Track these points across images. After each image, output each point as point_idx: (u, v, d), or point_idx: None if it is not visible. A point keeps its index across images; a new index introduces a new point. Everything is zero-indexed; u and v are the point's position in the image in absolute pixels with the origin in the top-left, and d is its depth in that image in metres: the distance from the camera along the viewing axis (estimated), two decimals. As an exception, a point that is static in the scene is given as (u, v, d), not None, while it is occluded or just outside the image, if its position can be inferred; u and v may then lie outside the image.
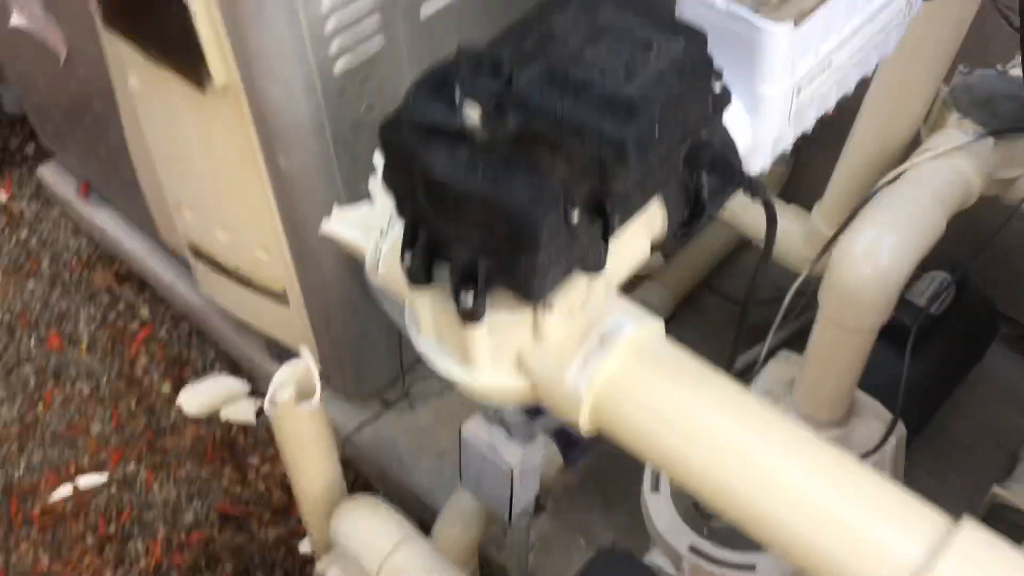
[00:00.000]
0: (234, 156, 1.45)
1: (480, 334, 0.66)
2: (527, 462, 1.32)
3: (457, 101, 0.56)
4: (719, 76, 0.66)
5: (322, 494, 1.44)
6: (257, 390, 2.05)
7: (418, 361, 1.90)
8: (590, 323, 0.67)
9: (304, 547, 1.84)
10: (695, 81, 0.63)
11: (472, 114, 0.56)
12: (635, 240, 0.72)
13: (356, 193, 1.48)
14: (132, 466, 1.95)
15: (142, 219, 2.06)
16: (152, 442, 1.99)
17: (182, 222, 1.72)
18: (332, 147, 1.40)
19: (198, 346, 2.13)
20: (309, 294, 1.64)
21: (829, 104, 0.88)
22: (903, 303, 1.59)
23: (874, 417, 1.42)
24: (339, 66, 1.32)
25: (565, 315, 0.66)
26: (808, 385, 1.39)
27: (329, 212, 1.46)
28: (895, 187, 1.20)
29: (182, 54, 1.31)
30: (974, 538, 0.57)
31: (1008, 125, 1.21)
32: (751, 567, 1.27)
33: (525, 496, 1.39)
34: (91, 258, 2.28)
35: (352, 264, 1.57)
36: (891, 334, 1.29)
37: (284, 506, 1.90)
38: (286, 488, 1.92)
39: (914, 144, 1.29)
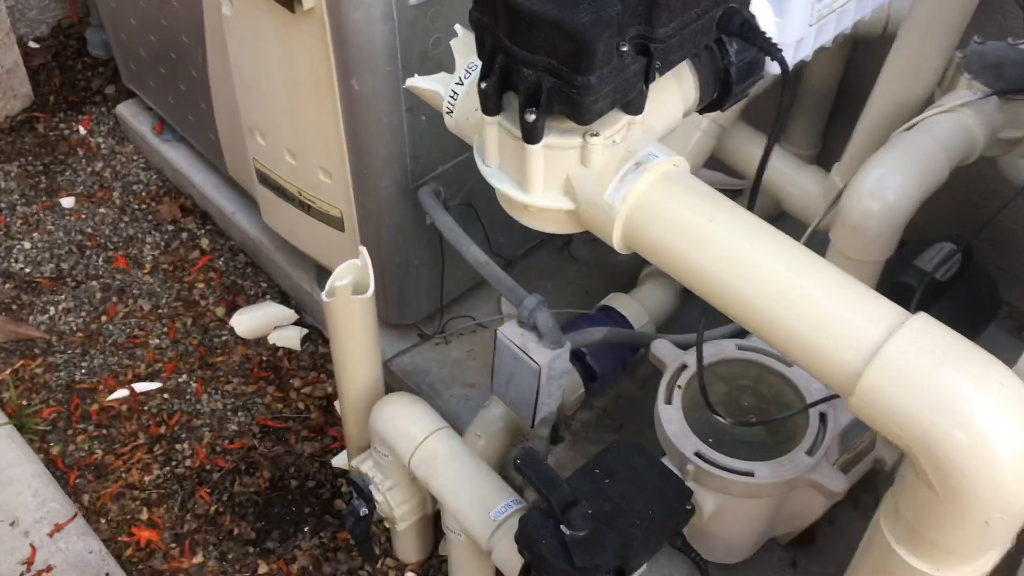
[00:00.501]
0: (311, 78, 1.60)
1: (537, 154, 0.80)
2: (554, 365, 1.45)
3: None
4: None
5: (364, 388, 1.58)
6: (304, 320, 2.20)
7: (455, 300, 2.06)
8: (628, 154, 0.81)
9: (336, 461, 1.98)
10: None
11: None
12: (670, 99, 0.86)
13: (416, 121, 1.64)
14: (184, 377, 2.11)
15: (212, 153, 2.22)
16: (204, 358, 2.14)
17: (254, 147, 1.88)
18: (400, 74, 1.55)
19: (252, 276, 2.28)
20: (364, 218, 1.79)
21: (846, 24, 1.02)
22: (911, 268, 1.72)
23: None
24: (415, -2, 1.47)
25: (607, 144, 0.80)
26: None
27: (392, 136, 1.62)
28: (905, 135, 1.33)
29: (276, -22, 1.47)
30: (924, 324, 0.71)
31: (1013, 87, 1.34)
32: (750, 473, 1.40)
33: (549, 401, 1.52)
34: (159, 192, 2.45)
35: (405, 189, 1.73)
36: (897, 294, 1.42)
37: (320, 425, 2.04)
38: (323, 409, 2.07)
39: (928, 106, 1.43)
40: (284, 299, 2.24)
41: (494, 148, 0.84)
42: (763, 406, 1.50)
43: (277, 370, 2.13)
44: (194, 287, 2.26)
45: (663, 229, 0.79)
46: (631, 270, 2.10)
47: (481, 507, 1.42)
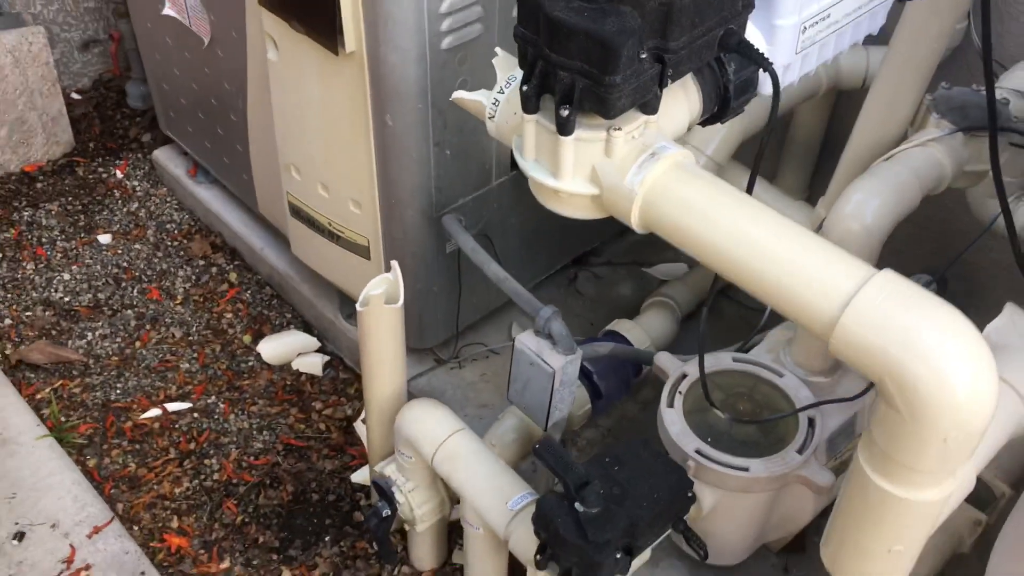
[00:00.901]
0: (348, 115, 1.78)
1: (569, 146, 0.97)
2: (567, 370, 1.60)
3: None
4: (745, -9, 0.98)
5: (391, 395, 1.72)
6: (326, 348, 2.35)
7: (469, 328, 2.21)
8: (645, 146, 0.97)
9: (356, 477, 2.10)
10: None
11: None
12: (678, 108, 1.03)
13: (442, 155, 1.81)
14: (213, 399, 2.24)
15: (244, 193, 2.40)
16: (231, 381, 2.28)
17: (288, 182, 2.05)
18: (430, 111, 1.73)
19: (277, 308, 2.44)
20: (389, 246, 1.95)
21: (827, 55, 1.20)
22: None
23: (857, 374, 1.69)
24: (446, 43, 1.66)
25: (627, 139, 0.97)
26: (801, 339, 1.67)
27: (420, 168, 1.79)
28: (882, 165, 1.50)
29: (323, 25, 1.66)
30: (889, 276, 0.86)
31: (976, 125, 1.52)
32: (745, 469, 1.54)
33: (560, 406, 1.67)
34: (191, 230, 2.61)
35: (429, 219, 1.89)
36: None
37: (340, 445, 2.17)
38: (343, 430, 2.20)
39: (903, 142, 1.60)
40: (307, 328, 2.39)
41: (531, 143, 1.00)
42: (757, 411, 1.64)
43: (300, 393, 2.27)
44: (223, 317, 2.41)
45: (674, 208, 0.95)
46: (633, 304, 2.26)
47: (499, 498, 1.55)
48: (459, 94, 1.16)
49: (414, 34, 1.61)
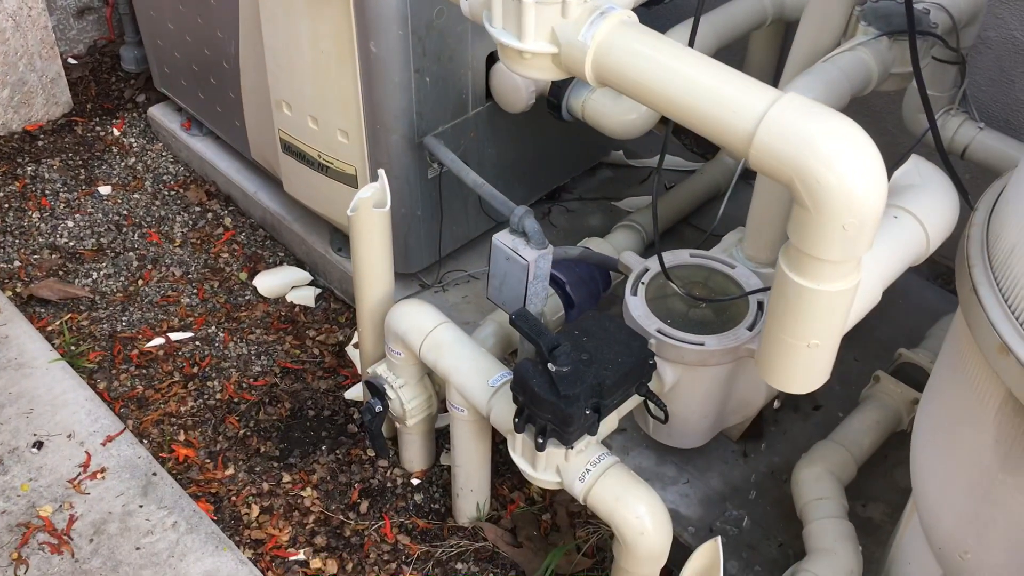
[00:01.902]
0: (335, 47, 1.95)
1: (530, 8, 1.13)
2: (539, 264, 1.77)
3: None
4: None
5: (381, 298, 1.89)
6: (317, 281, 2.51)
7: (450, 256, 2.37)
8: (594, 8, 1.14)
9: (349, 395, 2.26)
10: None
11: None
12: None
13: (422, 82, 1.98)
14: (213, 328, 2.40)
15: (237, 140, 2.55)
16: (230, 313, 2.44)
17: (280, 118, 2.21)
18: (410, 38, 1.89)
19: (271, 248, 2.59)
20: (375, 173, 2.11)
21: None
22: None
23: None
24: (423, -27, 1.83)
25: (580, 2, 1.14)
26: (751, 232, 1.85)
27: (402, 93, 1.95)
28: (816, 65, 1.68)
29: (311, -42, 1.83)
30: (794, 96, 1.04)
31: (897, 29, 1.70)
32: (701, 344, 1.71)
33: (535, 300, 1.84)
34: (187, 180, 2.77)
35: (412, 144, 2.05)
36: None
37: (333, 367, 2.33)
38: (336, 354, 2.36)
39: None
40: (300, 264, 2.55)
41: (499, 11, 1.17)
42: (712, 296, 1.81)
43: (295, 323, 2.43)
44: (219, 256, 2.57)
45: (620, 56, 1.12)
46: (603, 234, 2.43)
47: (481, 378, 1.72)
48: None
49: (394, -36, 1.78)
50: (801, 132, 1.01)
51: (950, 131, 2.00)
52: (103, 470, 2.01)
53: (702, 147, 2.80)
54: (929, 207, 1.35)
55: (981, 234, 1.30)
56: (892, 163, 1.58)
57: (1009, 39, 2.04)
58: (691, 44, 1.20)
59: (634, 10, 1.23)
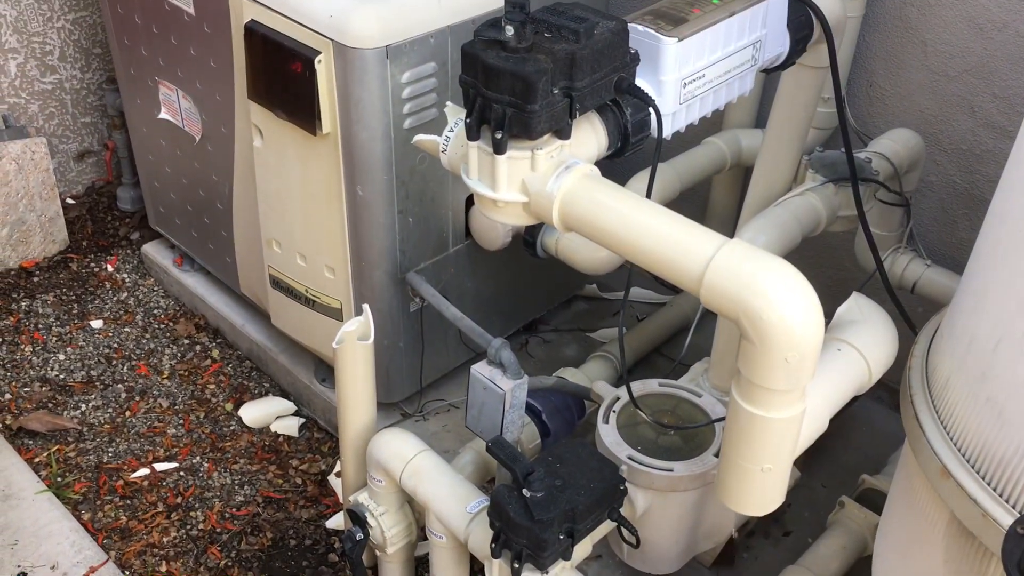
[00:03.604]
0: (324, 189, 2.08)
1: (503, 163, 1.26)
2: (516, 393, 1.86)
3: (503, 25, 1.20)
4: (634, 53, 1.30)
5: (363, 427, 1.96)
6: (301, 412, 2.58)
7: (431, 386, 2.46)
8: (561, 162, 1.28)
9: (330, 524, 2.31)
10: (619, 37, 1.27)
11: (509, 31, 1.20)
12: (589, 140, 1.34)
13: (405, 222, 2.11)
14: (197, 459, 2.45)
15: (227, 275, 2.67)
16: (215, 443, 2.50)
17: (270, 256, 2.33)
18: (395, 182, 2.03)
19: (256, 379, 2.67)
20: (360, 307, 2.22)
21: (707, 110, 1.52)
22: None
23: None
24: (407, 123, 1.98)
25: (547, 157, 1.27)
26: (716, 362, 1.95)
27: (386, 233, 2.07)
28: (768, 209, 1.82)
29: (304, 111, 1.98)
30: (739, 244, 1.16)
31: (842, 176, 1.85)
32: (670, 470, 1.79)
33: (512, 428, 1.92)
34: (176, 314, 2.87)
35: (395, 279, 2.17)
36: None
37: (316, 496, 2.38)
38: (318, 483, 2.41)
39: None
40: (284, 395, 2.62)
41: (475, 164, 1.30)
42: (680, 423, 1.90)
43: (278, 452, 2.49)
44: (206, 388, 2.64)
45: (585, 205, 1.24)
46: (578, 364, 2.53)
47: (459, 504, 1.78)
48: (419, 137, 1.46)
49: (381, 115, 1.93)
50: (743, 274, 1.12)
51: (900, 267, 2.13)
52: (85, 601, 2.03)
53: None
54: (870, 340, 1.46)
55: (921, 365, 1.41)
56: (846, 296, 1.71)
57: (949, 183, 2.20)
58: (648, 194, 1.33)
59: (597, 163, 1.36)
